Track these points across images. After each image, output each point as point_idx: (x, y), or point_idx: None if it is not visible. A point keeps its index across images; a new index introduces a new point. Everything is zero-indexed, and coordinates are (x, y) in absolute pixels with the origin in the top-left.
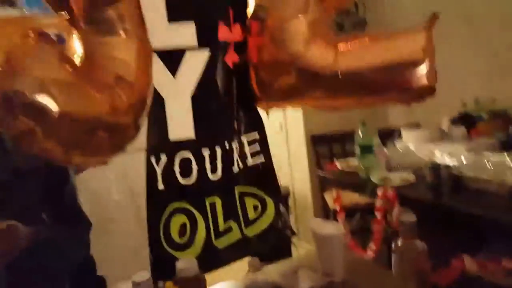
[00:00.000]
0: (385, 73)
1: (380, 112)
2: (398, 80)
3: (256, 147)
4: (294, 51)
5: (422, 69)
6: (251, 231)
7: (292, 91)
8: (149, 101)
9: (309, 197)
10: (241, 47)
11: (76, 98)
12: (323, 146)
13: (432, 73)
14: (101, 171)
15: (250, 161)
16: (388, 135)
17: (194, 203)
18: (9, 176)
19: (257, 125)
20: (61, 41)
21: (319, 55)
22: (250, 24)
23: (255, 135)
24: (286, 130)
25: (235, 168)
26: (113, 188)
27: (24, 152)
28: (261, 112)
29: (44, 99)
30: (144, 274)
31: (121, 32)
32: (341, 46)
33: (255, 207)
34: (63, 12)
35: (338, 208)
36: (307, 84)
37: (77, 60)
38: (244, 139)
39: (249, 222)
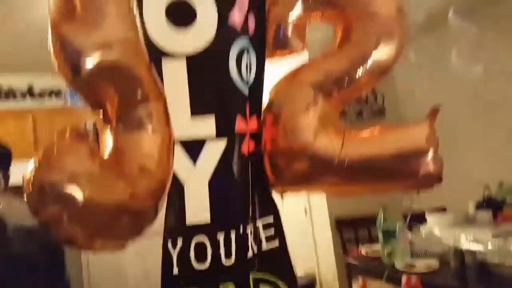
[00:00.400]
0: (392, 162)
1: (405, 196)
2: (405, 168)
3: (271, 231)
4: (304, 141)
5: (427, 158)
6: None
7: (305, 177)
8: (168, 187)
9: (336, 286)
10: (256, 136)
11: (101, 187)
12: (349, 230)
13: (437, 161)
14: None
15: (264, 246)
16: (413, 219)
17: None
18: (5, 265)
19: (272, 209)
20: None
21: (327, 144)
22: (265, 116)
23: (270, 219)
24: (310, 215)
25: (250, 254)
26: (130, 271)
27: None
28: (276, 197)
29: (73, 189)
30: None
31: (149, 127)
32: (349, 136)
33: None
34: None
35: None
36: (318, 171)
37: (105, 153)
38: (259, 223)
39: None
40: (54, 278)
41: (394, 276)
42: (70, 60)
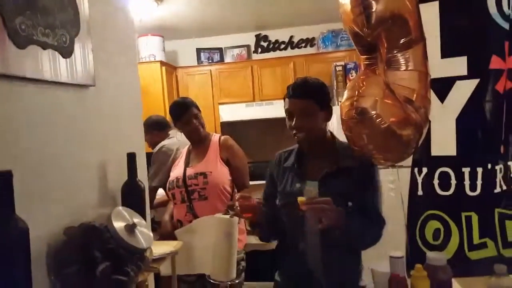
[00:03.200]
0: None
1: None
2: None
3: None
4: None
5: None
6: (509, 253)
7: None
8: (428, 117)
9: None
10: None
11: (388, 111)
12: None
13: None
14: None
15: None
16: None
17: (449, 213)
18: None
19: None
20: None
21: None
22: None
23: None
24: None
25: (497, 189)
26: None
27: None
28: None
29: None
30: (399, 253)
31: (407, 67)
32: None
33: None
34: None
35: None
36: None
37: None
38: (511, 163)
39: (507, 244)
40: None
41: None
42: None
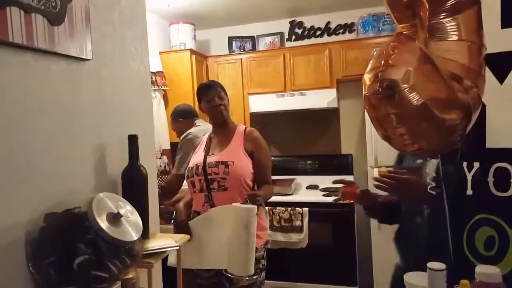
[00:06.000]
0: None
1: None
2: None
3: None
4: None
5: None
6: None
7: None
8: (481, 96)
9: None
10: None
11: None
12: None
13: None
14: None
15: None
16: None
17: (507, 218)
18: None
19: None
20: None
21: None
22: None
23: None
24: None
25: None
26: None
27: None
28: None
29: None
30: (440, 265)
31: (454, 36)
32: None
33: None
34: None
35: None
36: None
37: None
38: None
39: None
40: None
41: None
42: None
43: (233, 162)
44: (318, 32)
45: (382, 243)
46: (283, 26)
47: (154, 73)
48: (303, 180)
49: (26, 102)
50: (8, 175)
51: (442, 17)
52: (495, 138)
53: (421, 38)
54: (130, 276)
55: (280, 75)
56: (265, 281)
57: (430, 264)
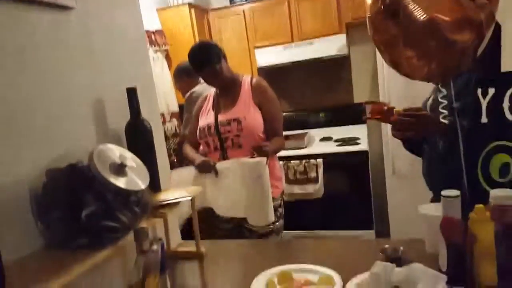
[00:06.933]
0: None
1: None
2: None
3: None
4: None
5: None
6: None
7: None
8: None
9: None
10: None
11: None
12: None
13: None
14: None
15: None
16: None
17: None
18: None
19: None
20: None
21: None
22: None
23: None
24: None
25: None
26: None
27: None
28: None
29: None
30: (455, 192)
31: None
32: None
33: None
34: None
35: None
36: None
37: None
38: None
39: None
40: None
41: None
42: None
43: (245, 117)
44: None
45: (396, 187)
46: None
47: (153, 32)
48: (317, 133)
49: (18, 58)
50: (8, 134)
51: None
52: (510, 61)
53: None
54: (143, 226)
55: (286, 25)
56: (284, 231)
57: (444, 192)
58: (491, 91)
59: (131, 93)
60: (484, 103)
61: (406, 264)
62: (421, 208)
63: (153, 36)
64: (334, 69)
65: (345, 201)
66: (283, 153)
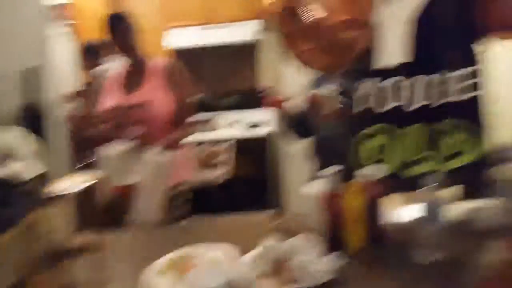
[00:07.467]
0: None
1: None
2: None
3: (469, 82)
4: None
5: None
6: (447, 166)
7: None
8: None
9: None
10: None
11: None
12: None
13: None
14: None
15: (459, 96)
16: None
17: (390, 128)
18: None
19: (473, 60)
20: None
21: None
22: None
23: (471, 69)
24: None
25: (440, 101)
26: None
27: None
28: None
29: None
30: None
31: None
32: None
33: (456, 144)
34: None
35: None
36: None
37: None
38: (456, 73)
39: (446, 158)
40: None
41: None
42: None
43: (152, 101)
44: None
45: (291, 169)
46: None
47: (58, 6)
48: (227, 117)
49: None
50: None
51: None
52: (386, 56)
53: None
54: (34, 216)
55: (201, 5)
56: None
57: (326, 170)
58: (373, 81)
59: (28, 74)
60: (367, 91)
61: (294, 236)
62: (307, 186)
63: (56, 10)
64: (246, 54)
65: (245, 183)
66: (190, 138)
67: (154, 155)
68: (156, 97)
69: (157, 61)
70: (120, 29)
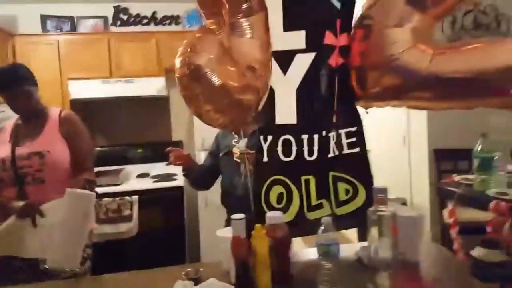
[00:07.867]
0: (480, 78)
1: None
2: (494, 85)
3: (353, 139)
4: (393, 54)
5: None
6: (340, 211)
7: (390, 92)
8: (268, 84)
9: (427, 210)
10: (344, 52)
11: (223, 72)
12: (447, 161)
13: None
14: None
15: (346, 150)
16: None
17: (291, 177)
18: None
19: (356, 121)
20: None
21: (416, 58)
22: (355, 31)
23: (353, 129)
24: (409, 144)
25: (331, 154)
26: None
27: None
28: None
29: (208, 71)
30: (241, 215)
31: (249, 34)
32: (440, 51)
33: (347, 191)
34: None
35: (452, 222)
36: (406, 85)
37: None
38: (342, 131)
39: (339, 203)
40: None
41: (483, 202)
42: None
43: (49, 151)
44: (145, 21)
45: (208, 217)
46: (107, 10)
47: None
48: (134, 169)
49: None
50: None
51: (239, 17)
52: (281, 117)
53: (224, 33)
54: None
55: (105, 60)
56: (93, 275)
57: (233, 216)
58: (270, 137)
59: None
60: (265, 146)
61: (204, 281)
62: (218, 232)
63: None
64: (154, 107)
65: (160, 237)
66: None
67: (85, 195)
68: (54, 146)
69: (55, 111)
70: (13, 88)
